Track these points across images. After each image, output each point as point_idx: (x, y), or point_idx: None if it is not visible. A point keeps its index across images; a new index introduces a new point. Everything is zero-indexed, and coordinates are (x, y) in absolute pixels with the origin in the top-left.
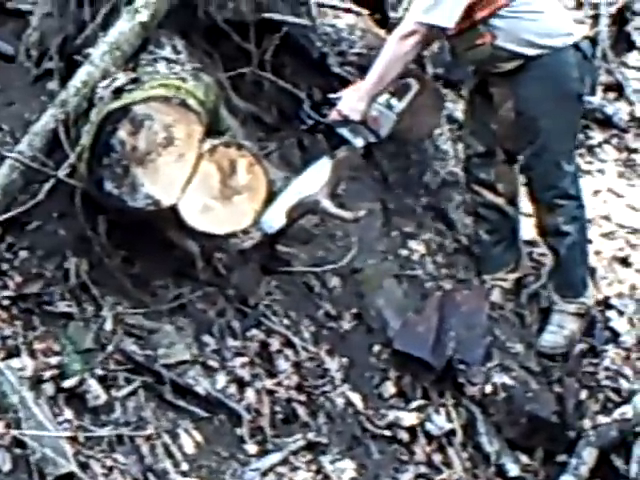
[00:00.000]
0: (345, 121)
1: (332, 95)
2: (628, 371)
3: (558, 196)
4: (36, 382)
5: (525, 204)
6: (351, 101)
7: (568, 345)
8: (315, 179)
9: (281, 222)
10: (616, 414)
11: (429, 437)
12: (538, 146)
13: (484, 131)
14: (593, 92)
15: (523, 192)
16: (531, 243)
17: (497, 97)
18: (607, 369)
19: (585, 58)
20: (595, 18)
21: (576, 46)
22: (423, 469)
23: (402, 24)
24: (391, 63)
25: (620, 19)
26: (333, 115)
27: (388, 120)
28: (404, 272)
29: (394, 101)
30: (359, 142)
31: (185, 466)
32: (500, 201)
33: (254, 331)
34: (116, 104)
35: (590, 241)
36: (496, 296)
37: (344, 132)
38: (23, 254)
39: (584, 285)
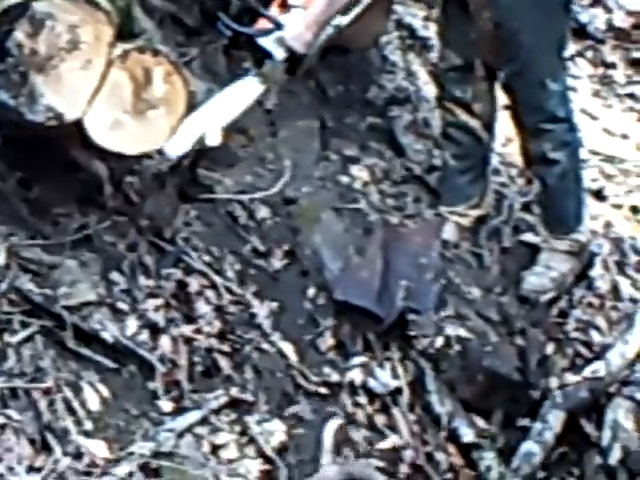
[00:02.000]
0: (267, 31)
1: (265, 11)
2: (601, 322)
3: (544, 120)
4: None
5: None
6: (297, 29)
7: (557, 288)
8: (238, 100)
9: (184, 149)
10: (587, 372)
11: (372, 396)
12: (520, 63)
13: (462, 42)
14: None
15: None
16: (494, 171)
17: (473, 6)
18: (577, 320)
19: None
20: None
21: None
22: (364, 432)
23: None
24: None
25: None
26: (257, 26)
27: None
28: (344, 203)
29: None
30: (280, 53)
31: (89, 425)
32: (475, 123)
33: (170, 269)
34: (12, 0)
35: (582, 168)
36: (450, 232)
37: (266, 43)
38: None
39: (577, 219)
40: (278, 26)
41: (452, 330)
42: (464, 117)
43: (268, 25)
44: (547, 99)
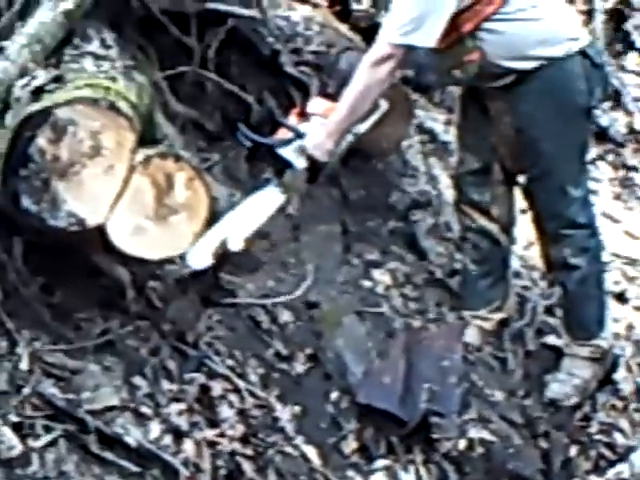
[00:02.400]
0: (287, 140)
1: (285, 120)
2: (624, 424)
3: (564, 226)
4: None
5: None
6: (318, 138)
7: (580, 395)
8: (260, 210)
9: (206, 261)
10: (610, 474)
11: None
12: (540, 169)
13: (481, 145)
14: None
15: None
16: (515, 274)
17: (493, 111)
18: (601, 422)
19: (594, 65)
20: (589, 14)
21: (583, 53)
22: None
23: (374, 47)
24: (364, 93)
25: (617, 16)
26: (277, 136)
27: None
28: (366, 307)
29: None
30: (301, 163)
31: None
32: (493, 227)
33: (193, 373)
34: (35, 107)
35: (604, 272)
36: (472, 336)
37: (286, 153)
38: None
39: (600, 325)
40: (298, 135)
41: (475, 433)
42: (482, 221)
43: (288, 134)
44: (568, 205)
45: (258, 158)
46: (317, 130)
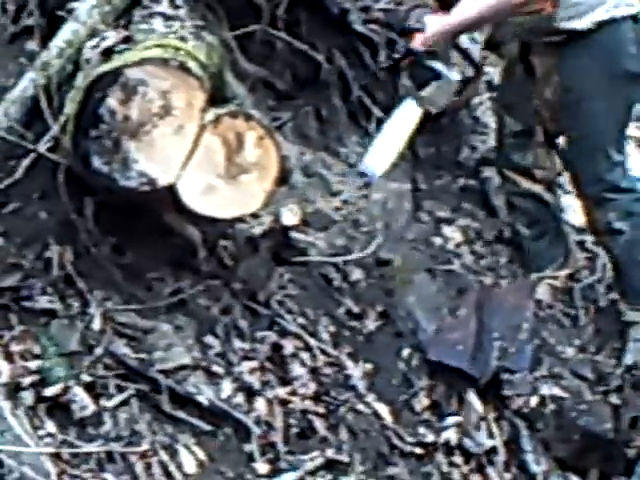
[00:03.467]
0: (434, 53)
1: (408, 25)
2: None
3: (607, 189)
4: (14, 390)
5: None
6: (437, 29)
7: None
8: (403, 123)
9: (384, 168)
10: None
11: (467, 455)
12: (584, 131)
13: (523, 106)
14: None
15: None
16: (582, 230)
17: (540, 69)
18: None
19: None
20: None
21: (635, 18)
22: None
23: None
24: (496, 8)
25: None
26: (416, 44)
27: (476, 52)
28: (437, 264)
29: (476, 35)
30: (455, 75)
31: None
32: (538, 189)
33: (265, 331)
34: (105, 67)
35: None
36: (543, 293)
37: (436, 64)
38: None
39: None
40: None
41: (547, 389)
42: (526, 184)
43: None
44: (610, 169)
45: (395, 71)
46: (435, 22)
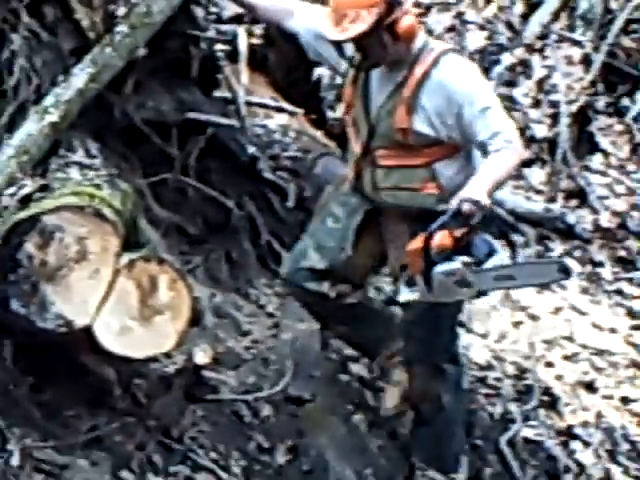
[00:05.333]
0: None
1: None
2: None
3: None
4: None
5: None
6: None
7: None
8: None
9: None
10: None
11: None
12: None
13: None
14: None
15: None
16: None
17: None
18: None
19: None
20: (554, 117)
21: None
22: None
23: (518, 145)
24: (511, 173)
25: (582, 118)
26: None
27: None
28: (347, 402)
29: None
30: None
31: None
32: None
33: (178, 466)
34: (23, 214)
35: None
36: None
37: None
38: None
39: None
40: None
41: None
42: None
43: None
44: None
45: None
46: (475, 186)
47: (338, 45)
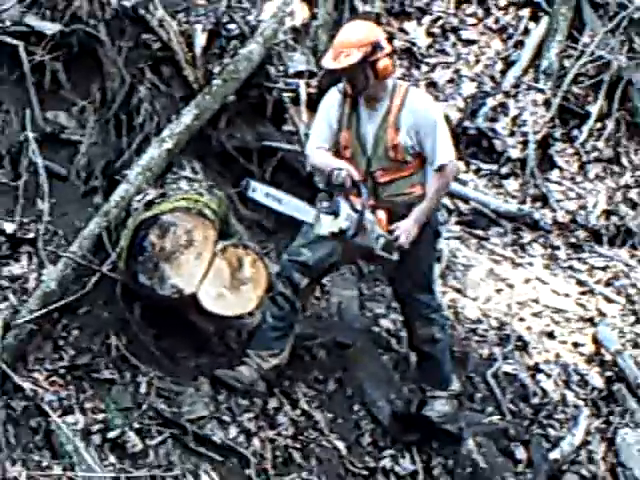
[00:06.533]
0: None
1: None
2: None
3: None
4: (86, 434)
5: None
6: (412, 231)
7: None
8: None
9: None
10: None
11: (398, 476)
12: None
13: None
14: None
15: None
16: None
17: None
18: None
19: None
20: (524, 144)
21: None
22: None
23: (450, 165)
24: (440, 201)
25: (544, 144)
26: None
27: None
28: (378, 347)
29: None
30: (395, 256)
31: None
32: None
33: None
34: (147, 214)
35: None
36: None
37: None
38: (75, 333)
39: None
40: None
41: None
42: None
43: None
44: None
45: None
46: (410, 226)
47: (333, 73)
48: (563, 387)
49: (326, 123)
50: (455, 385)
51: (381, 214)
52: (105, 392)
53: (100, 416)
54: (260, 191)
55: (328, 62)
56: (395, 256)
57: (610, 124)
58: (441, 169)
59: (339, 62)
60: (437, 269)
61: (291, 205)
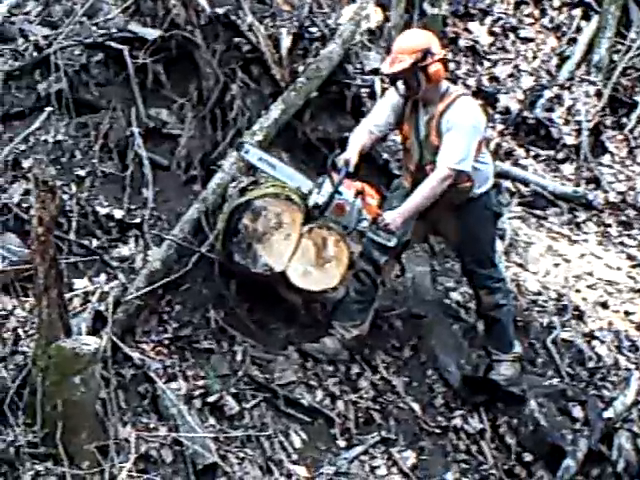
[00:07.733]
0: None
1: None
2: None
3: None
4: (189, 398)
5: None
6: (396, 220)
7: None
8: None
9: None
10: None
11: (467, 434)
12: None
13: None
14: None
15: None
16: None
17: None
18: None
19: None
20: (578, 131)
21: (494, 186)
22: (463, 456)
23: (439, 169)
24: (428, 199)
25: (596, 131)
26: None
27: None
28: (449, 318)
29: None
30: (391, 242)
31: (295, 457)
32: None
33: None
34: (241, 199)
35: None
36: None
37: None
38: (178, 307)
39: None
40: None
41: None
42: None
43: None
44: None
45: None
46: (393, 215)
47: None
48: (616, 352)
49: (386, 110)
50: (518, 348)
51: (371, 201)
52: (205, 361)
53: (200, 382)
54: (253, 154)
55: (385, 67)
56: (392, 242)
57: None
58: (438, 168)
59: (393, 67)
60: (501, 246)
61: (284, 172)
